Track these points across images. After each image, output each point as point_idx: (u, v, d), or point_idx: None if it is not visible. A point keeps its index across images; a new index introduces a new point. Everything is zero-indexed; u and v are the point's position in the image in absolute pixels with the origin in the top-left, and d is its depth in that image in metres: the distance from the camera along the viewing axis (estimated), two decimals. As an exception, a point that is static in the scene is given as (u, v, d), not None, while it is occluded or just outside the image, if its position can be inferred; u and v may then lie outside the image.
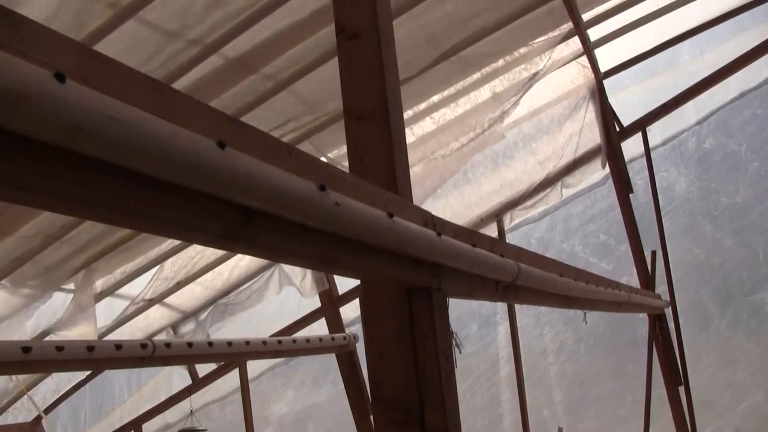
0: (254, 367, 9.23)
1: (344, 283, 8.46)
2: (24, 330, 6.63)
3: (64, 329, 6.56)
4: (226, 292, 8.24)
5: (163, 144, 1.15)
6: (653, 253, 8.10)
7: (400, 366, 2.38)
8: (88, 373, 8.21)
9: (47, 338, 6.75)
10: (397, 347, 2.39)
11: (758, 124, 8.82)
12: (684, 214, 8.95)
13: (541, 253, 3.92)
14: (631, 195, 8.18)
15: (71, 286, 6.61)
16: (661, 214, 8.11)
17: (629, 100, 8.42)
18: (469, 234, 2.67)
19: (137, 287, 7.32)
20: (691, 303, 8.72)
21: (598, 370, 9.45)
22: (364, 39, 2.58)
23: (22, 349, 4.73)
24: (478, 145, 7.07)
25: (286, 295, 8.81)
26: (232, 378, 8.72)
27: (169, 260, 7.20)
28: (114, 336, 7.40)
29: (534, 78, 6.77)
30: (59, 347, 4.96)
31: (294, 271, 8.12)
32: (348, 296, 8.44)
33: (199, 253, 7.33)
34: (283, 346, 7.28)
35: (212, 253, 7.44)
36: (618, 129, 8.15)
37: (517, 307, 8.89)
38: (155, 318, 8.01)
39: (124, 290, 7.33)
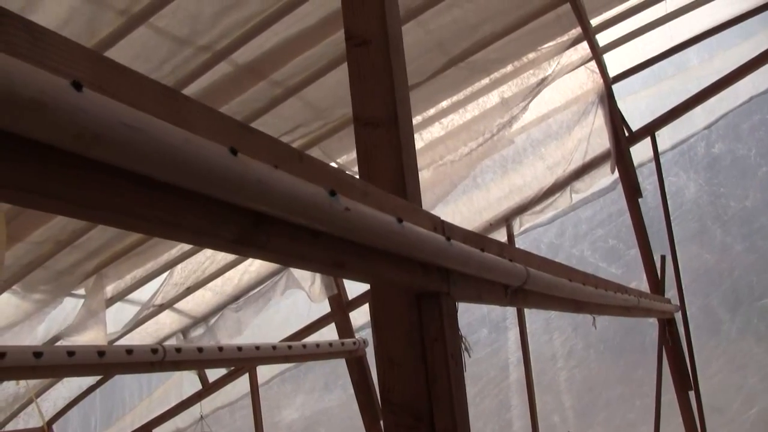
0: (264, 372, 9.25)
1: (353, 289, 8.47)
2: (35, 335, 6.65)
3: (74, 334, 6.58)
4: (236, 297, 8.26)
5: (176, 151, 1.17)
6: (662, 258, 8.10)
7: (409, 370, 2.39)
8: (98, 378, 8.23)
9: (58, 343, 6.78)
10: (406, 352, 2.40)
11: (767, 129, 8.81)
12: (693, 219, 8.94)
13: (551, 258, 3.92)
14: (640, 200, 8.18)
15: (82, 291, 6.63)
16: (671, 218, 8.11)
17: (638, 105, 8.42)
18: (478, 239, 2.68)
19: (147, 292, 7.35)
20: (701, 308, 8.71)
21: (608, 375, 9.44)
22: (374, 46, 2.60)
23: (34, 354, 4.75)
24: (486, 151, 7.09)
25: (296, 300, 8.84)
26: (242, 383, 8.73)
27: (179, 266, 7.22)
28: (124, 341, 7.42)
29: (542, 83, 6.78)
30: (70, 352, 4.98)
31: (303, 276, 8.13)
32: (357, 301, 8.45)
33: (209, 259, 7.35)
34: (293, 351, 7.29)
35: (222, 258, 7.46)
36: (627, 134, 8.15)
37: (526, 312, 8.89)
38: (165, 323, 8.03)
39: (134, 295, 7.35)
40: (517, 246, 8.43)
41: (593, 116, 7.97)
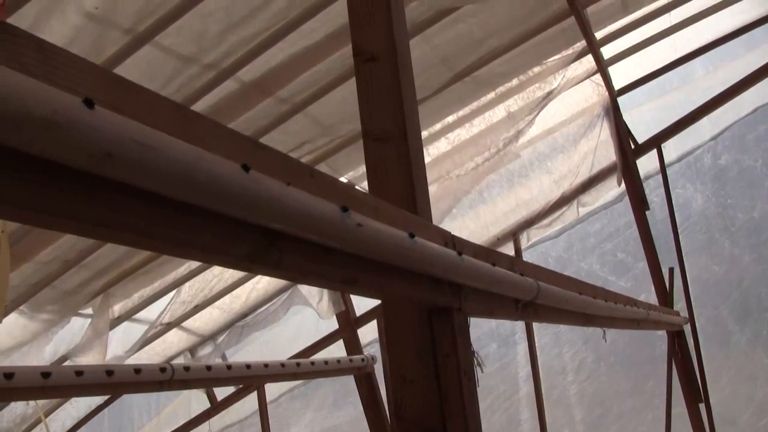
0: (273, 389, 9.22)
1: (361, 305, 8.46)
2: (43, 355, 6.64)
3: (79, 355, 6.57)
4: (243, 315, 8.25)
5: (189, 168, 1.16)
6: (671, 270, 8.08)
7: (422, 387, 2.38)
8: (106, 397, 8.21)
9: (65, 363, 6.77)
10: (419, 368, 2.39)
11: (773, 140, 8.81)
12: (701, 231, 8.91)
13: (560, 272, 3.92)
14: (647, 212, 8.17)
15: (89, 311, 6.63)
16: (678, 230, 8.09)
17: (644, 117, 8.41)
18: (489, 253, 2.67)
19: (155, 311, 7.33)
20: (710, 319, 8.67)
21: (619, 388, 9.40)
22: (382, 61, 2.59)
23: (42, 374, 4.74)
24: (493, 165, 7.08)
25: (304, 317, 8.82)
26: (251, 400, 8.70)
27: (187, 284, 7.21)
28: (132, 360, 7.41)
29: (548, 97, 6.77)
30: (78, 372, 4.98)
31: (311, 293, 8.12)
32: (365, 318, 8.44)
33: (216, 277, 7.34)
34: (302, 368, 7.28)
35: (230, 276, 7.45)
36: (633, 146, 8.15)
37: (536, 326, 8.87)
38: (173, 342, 8.02)
39: (141, 315, 7.34)
40: (524, 260, 8.42)
41: (599, 129, 7.96)
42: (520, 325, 8.93)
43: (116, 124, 1.04)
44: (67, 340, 6.81)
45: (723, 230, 8.90)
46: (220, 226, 1.37)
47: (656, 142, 8.17)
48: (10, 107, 0.88)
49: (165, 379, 5.62)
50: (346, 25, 2.72)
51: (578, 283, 3.96)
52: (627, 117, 8.05)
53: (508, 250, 8.52)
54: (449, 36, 5.50)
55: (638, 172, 8.16)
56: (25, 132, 0.91)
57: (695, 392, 7.82)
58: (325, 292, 8.09)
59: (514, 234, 8.55)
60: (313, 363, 7.49)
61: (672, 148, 8.61)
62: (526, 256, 8.76)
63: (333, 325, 8.57)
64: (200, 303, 7.57)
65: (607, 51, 7.35)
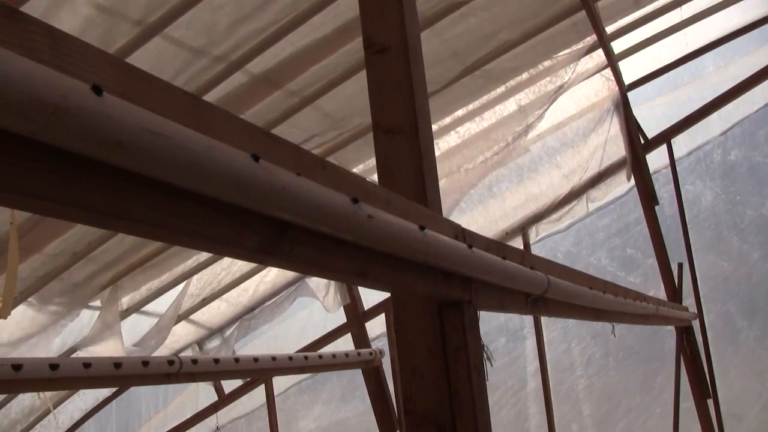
0: (281, 382, 9.23)
1: (369, 299, 8.45)
2: (51, 347, 6.65)
3: (92, 345, 6.57)
4: (251, 308, 8.25)
5: (199, 158, 1.15)
6: (680, 266, 8.06)
7: (432, 380, 2.37)
8: (114, 390, 8.22)
9: (74, 355, 6.78)
10: (429, 362, 2.38)
11: (783, 136, 8.77)
12: (710, 227, 8.89)
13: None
14: (657, 208, 8.15)
15: (98, 303, 6.63)
16: (687, 226, 8.07)
17: (654, 113, 8.38)
18: (499, 247, 2.66)
19: (163, 304, 7.34)
20: (719, 315, 8.65)
21: (627, 383, 9.39)
22: (393, 53, 2.58)
23: (50, 366, 4.74)
24: (502, 159, 7.07)
25: (312, 311, 8.83)
26: (259, 393, 8.71)
27: (195, 277, 7.22)
28: (140, 353, 7.41)
29: (559, 91, 6.75)
30: (86, 364, 4.97)
31: (318, 287, 8.12)
32: (373, 312, 8.44)
33: (224, 270, 7.34)
34: (309, 362, 7.27)
35: (238, 269, 7.46)
36: (643, 141, 8.12)
37: (544, 320, 8.86)
38: (181, 335, 8.03)
39: (149, 307, 7.35)
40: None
41: (609, 124, 7.94)
42: (529, 319, 8.93)
43: (126, 112, 1.03)
44: (75, 332, 6.82)
45: (732, 227, 8.88)
46: (230, 217, 1.36)
47: (666, 137, 8.15)
48: (20, 93, 0.87)
49: (173, 371, 5.61)
50: (355, 19, 2.71)
51: (588, 277, 3.94)
52: (637, 112, 8.02)
53: (517, 244, 8.50)
54: (460, 30, 5.48)
55: (648, 167, 8.14)
56: (35, 118, 0.90)
57: (703, 388, 7.81)
58: (332, 285, 8.09)
59: (523, 228, 8.53)
60: (320, 356, 7.49)
61: (682, 144, 8.59)
62: (535, 251, 8.75)
63: (341, 319, 8.57)
64: (208, 296, 7.58)
65: (618, 45, 7.33)
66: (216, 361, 6.20)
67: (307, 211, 1.44)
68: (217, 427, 8.32)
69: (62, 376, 4.84)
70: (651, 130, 8.16)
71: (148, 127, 1.05)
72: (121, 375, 5.26)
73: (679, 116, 8.14)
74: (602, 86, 7.76)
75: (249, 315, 8.29)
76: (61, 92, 0.92)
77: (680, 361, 7.93)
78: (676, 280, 8.06)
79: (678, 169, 8.19)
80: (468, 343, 2.36)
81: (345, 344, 8.54)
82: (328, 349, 8.46)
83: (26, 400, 7.12)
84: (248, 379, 8.51)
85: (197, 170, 1.15)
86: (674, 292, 8.00)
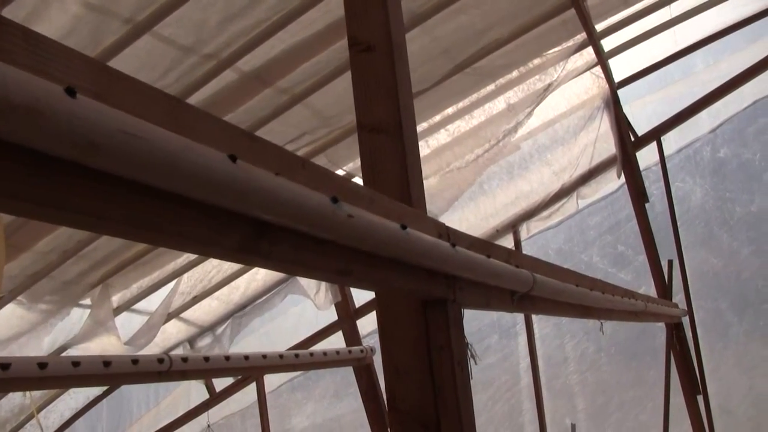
0: (273, 380, 9.24)
1: (361, 297, 8.47)
2: (41, 346, 6.64)
3: (84, 341, 6.57)
4: (242, 306, 8.26)
5: (175, 158, 1.16)
6: (670, 263, 8.10)
7: (416, 378, 2.38)
8: (105, 388, 8.22)
9: (66, 353, 6.77)
10: (413, 359, 2.39)
11: (772, 133, 8.80)
12: (700, 224, 8.91)
13: (560, 265, 3.92)
14: (647, 205, 8.18)
15: (88, 301, 6.63)
16: (678, 223, 8.10)
17: (644, 110, 8.41)
18: (484, 245, 2.67)
19: (154, 302, 7.33)
20: (709, 312, 8.68)
21: (620, 378, 9.43)
22: (378, 52, 2.59)
23: (39, 364, 4.74)
24: (493, 157, 7.08)
25: (303, 309, 8.84)
26: (252, 391, 8.72)
27: (186, 275, 7.22)
28: (130, 351, 7.42)
29: (548, 89, 6.77)
30: (75, 363, 4.97)
31: (309, 284, 8.13)
32: (365, 309, 8.45)
33: (215, 268, 7.34)
34: (300, 359, 7.28)
35: (229, 267, 7.46)
36: (633, 139, 8.15)
37: (537, 317, 8.89)
38: (172, 333, 8.03)
39: (140, 305, 7.34)
40: (525, 252, 8.43)
41: (599, 121, 7.96)
42: (521, 316, 8.96)
43: (100, 113, 1.04)
44: (65, 330, 6.81)
45: (722, 223, 8.90)
46: (210, 217, 1.37)
47: (656, 134, 8.18)
48: (-8, 96, 0.88)
49: (163, 369, 5.61)
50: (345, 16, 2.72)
51: (575, 275, 3.96)
52: (627, 109, 8.05)
53: (508, 242, 8.53)
54: (450, 27, 5.49)
55: (638, 164, 8.16)
56: (7, 120, 0.91)
57: (693, 384, 7.84)
58: (323, 283, 8.10)
59: (513, 226, 8.55)
60: (311, 354, 7.50)
61: (672, 141, 8.61)
62: (527, 249, 8.77)
63: (332, 316, 8.58)
64: (199, 294, 7.58)
65: (608, 43, 7.34)
66: (206, 359, 6.21)
67: (285, 210, 1.45)
68: (209, 425, 8.32)
69: (51, 375, 4.83)
70: (641, 128, 8.20)
71: (122, 128, 1.06)
72: (111, 373, 5.26)
73: (668, 114, 8.18)
74: (592, 84, 7.78)
75: (240, 312, 8.30)
76: (35, 94, 0.93)
77: (670, 356, 7.96)
78: (666, 277, 8.09)
79: (668, 166, 8.22)
80: (452, 340, 2.37)
81: (337, 341, 8.55)
82: (320, 346, 8.48)
83: (16, 399, 7.11)
84: (239, 377, 8.51)
85: (173, 171, 1.16)
86: (664, 289, 8.03)
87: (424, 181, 2.71)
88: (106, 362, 5.17)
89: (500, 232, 8.45)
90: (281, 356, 7.07)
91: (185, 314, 7.88)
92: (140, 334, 7.06)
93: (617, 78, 7.90)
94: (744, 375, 8.71)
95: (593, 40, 6.72)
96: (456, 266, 2.26)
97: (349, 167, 6.55)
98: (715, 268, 8.90)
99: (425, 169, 2.76)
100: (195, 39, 4.52)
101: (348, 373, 8.83)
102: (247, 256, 1.51)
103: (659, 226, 8.24)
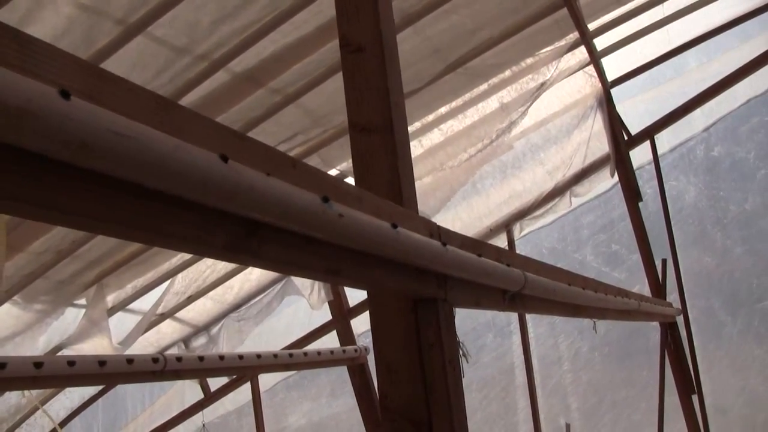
0: (268, 379, 9.25)
1: (355, 296, 8.48)
2: (36, 346, 6.65)
3: (78, 342, 6.58)
4: (236, 306, 8.27)
5: (166, 158, 1.17)
6: (663, 262, 8.11)
7: (407, 377, 2.39)
8: (100, 388, 8.23)
9: (61, 353, 6.78)
10: (404, 357, 2.41)
11: (766, 132, 8.79)
12: (694, 223, 8.93)
13: (553, 264, 3.93)
14: (641, 204, 8.19)
15: (83, 301, 6.63)
16: (671, 222, 8.12)
17: (637, 109, 8.43)
18: (475, 244, 2.68)
19: (148, 302, 7.34)
20: (702, 311, 8.70)
21: (613, 377, 9.45)
22: (368, 52, 2.60)
23: (34, 364, 4.75)
24: (486, 156, 7.09)
25: (297, 308, 8.85)
26: (247, 390, 8.73)
27: (180, 275, 7.23)
28: (126, 351, 7.42)
29: (541, 88, 6.79)
30: (71, 362, 4.98)
31: (304, 284, 8.14)
32: (358, 309, 8.46)
33: (209, 267, 7.35)
34: (294, 359, 7.29)
35: (223, 267, 7.47)
36: (626, 137, 8.16)
37: (531, 316, 8.91)
38: (166, 332, 8.04)
39: (135, 305, 7.35)
40: (518, 251, 8.45)
41: (592, 120, 7.98)
42: (516, 315, 8.98)
43: (93, 114, 1.05)
44: (60, 330, 6.82)
45: (715, 222, 8.93)
46: (200, 216, 1.38)
47: (649, 133, 8.20)
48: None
49: (158, 369, 5.62)
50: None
51: (567, 274, 3.97)
52: (620, 108, 8.07)
53: (501, 241, 8.54)
54: (441, 27, 5.50)
55: (631, 163, 8.18)
56: (1, 122, 0.93)
57: (688, 383, 7.86)
58: (317, 282, 8.11)
59: (507, 225, 8.57)
60: (305, 354, 7.51)
61: (665, 140, 8.63)
62: (520, 247, 8.79)
63: (326, 315, 8.60)
64: (193, 294, 7.59)
65: (600, 42, 7.36)
66: (201, 358, 6.22)
67: (275, 210, 1.46)
68: (203, 424, 8.33)
69: (47, 374, 4.85)
70: (634, 127, 8.21)
71: (113, 128, 1.07)
72: (106, 373, 5.27)
73: (662, 112, 8.20)
74: (585, 83, 7.80)
75: (237, 315, 8.31)
76: (26, 95, 0.95)
77: (665, 356, 7.97)
78: (660, 276, 8.10)
79: (661, 165, 8.24)
80: (443, 339, 2.39)
81: (331, 341, 8.56)
82: (314, 346, 8.49)
83: (12, 398, 7.12)
84: (234, 377, 8.52)
85: (164, 171, 1.17)
86: (658, 288, 8.05)
87: (417, 181, 2.72)
88: (102, 362, 5.19)
89: (494, 231, 8.47)
90: (275, 356, 7.08)
91: (180, 314, 7.88)
92: (134, 334, 7.08)
93: (610, 77, 7.92)
94: (737, 374, 8.74)
95: (586, 39, 6.74)
96: (447, 265, 2.27)
97: (342, 167, 6.56)
98: (708, 267, 8.92)
99: (418, 169, 2.77)
100: (188, 40, 4.53)
101: (344, 372, 8.84)
102: (238, 254, 1.53)
103: (653, 224, 8.26)
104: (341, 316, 8.48)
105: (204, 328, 8.36)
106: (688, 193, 9.00)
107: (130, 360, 5.43)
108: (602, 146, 8.12)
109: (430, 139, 6.87)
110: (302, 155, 6.06)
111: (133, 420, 9.33)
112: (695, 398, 7.86)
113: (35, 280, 5.86)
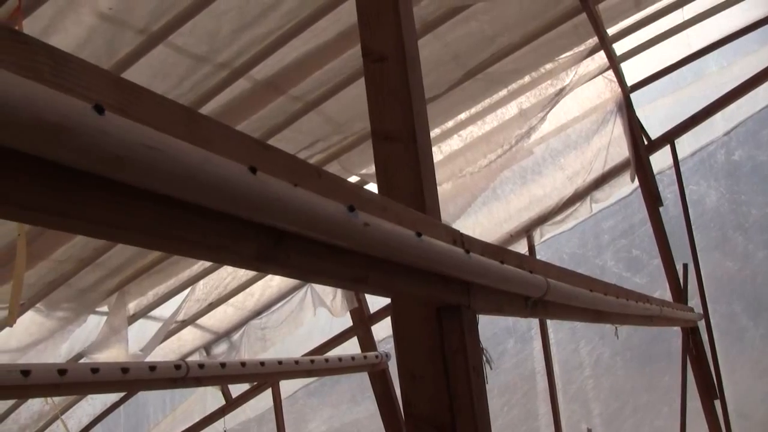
0: (289, 385, 9.25)
1: (375, 302, 8.48)
2: (59, 353, 6.69)
3: (96, 352, 6.61)
4: (257, 313, 8.29)
5: (197, 171, 1.19)
6: (685, 266, 8.07)
7: (431, 383, 2.40)
8: (122, 395, 8.26)
9: (81, 361, 6.81)
10: (428, 365, 2.41)
11: (787, 136, 8.76)
12: (715, 227, 8.88)
13: (574, 269, 3.92)
14: (661, 209, 8.16)
15: (105, 308, 6.67)
16: (692, 227, 8.08)
17: (657, 113, 8.39)
18: (497, 251, 2.69)
19: (169, 309, 7.37)
20: (724, 316, 8.65)
21: (635, 383, 9.41)
22: (391, 62, 2.62)
23: (58, 371, 4.78)
24: (506, 162, 7.09)
25: (318, 315, 8.85)
26: (268, 396, 8.75)
27: (201, 282, 7.25)
28: (147, 358, 7.45)
29: (560, 93, 6.78)
30: (94, 369, 5.02)
31: (325, 291, 8.15)
32: (379, 315, 8.46)
33: (230, 275, 7.37)
34: (316, 365, 7.30)
35: (243, 274, 7.48)
36: (646, 142, 8.14)
37: (552, 321, 8.88)
38: (188, 339, 8.06)
39: (156, 312, 7.38)
40: (538, 256, 8.44)
41: (612, 125, 7.96)
42: (536, 321, 8.95)
43: (125, 129, 1.07)
44: (82, 338, 6.85)
45: (736, 226, 8.87)
46: (229, 226, 1.39)
47: (669, 138, 8.17)
48: (22, 114, 0.91)
49: (179, 376, 5.65)
50: (356, 24, 2.74)
51: (589, 280, 3.97)
52: (640, 113, 8.04)
53: (522, 246, 8.53)
54: (461, 33, 5.51)
55: (651, 168, 8.15)
56: (38, 137, 0.94)
57: (710, 388, 7.81)
58: (339, 290, 8.12)
59: (527, 231, 8.56)
60: (327, 360, 7.52)
61: (685, 144, 8.59)
62: (540, 253, 8.77)
63: (347, 322, 8.61)
64: (214, 301, 7.61)
65: (620, 47, 7.35)
66: (222, 365, 6.24)
67: (302, 220, 1.48)
68: (225, 430, 8.35)
69: (70, 381, 4.88)
70: (654, 131, 8.18)
71: (146, 142, 1.09)
72: (128, 380, 5.30)
73: (682, 117, 8.16)
74: (605, 88, 7.78)
75: (260, 322, 8.33)
76: (62, 111, 0.96)
77: (686, 361, 7.93)
78: (681, 281, 8.06)
79: (682, 169, 8.20)
80: (467, 345, 2.40)
81: (352, 347, 8.56)
82: (335, 352, 8.49)
83: (35, 405, 7.16)
84: (255, 383, 8.54)
85: (193, 183, 1.19)
86: (679, 293, 8.01)
87: (438, 187, 2.73)
88: (124, 369, 5.22)
89: (514, 236, 8.46)
90: (297, 362, 7.10)
91: (201, 321, 7.91)
92: (155, 341, 7.12)
93: (630, 81, 7.90)
94: (760, 379, 8.68)
95: (605, 44, 6.73)
96: (470, 272, 2.28)
97: (363, 173, 6.57)
98: (730, 271, 8.86)
99: (438, 175, 2.78)
100: (208, 48, 4.56)
101: (364, 378, 8.84)
102: (265, 264, 1.54)
103: (673, 229, 8.22)
104: (362, 322, 8.49)
105: (225, 335, 8.38)
106: (709, 197, 8.95)
107: (152, 367, 5.46)
108: (622, 151, 8.10)
109: (450, 146, 6.88)
110: (322, 162, 6.07)
111: (155, 426, 9.36)
112: (718, 403, 7.82)
113: (58, 287, 5.90)
